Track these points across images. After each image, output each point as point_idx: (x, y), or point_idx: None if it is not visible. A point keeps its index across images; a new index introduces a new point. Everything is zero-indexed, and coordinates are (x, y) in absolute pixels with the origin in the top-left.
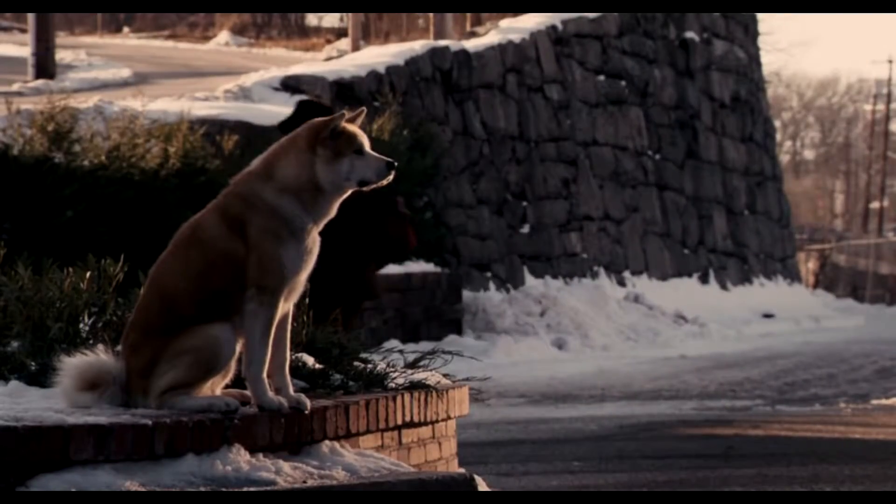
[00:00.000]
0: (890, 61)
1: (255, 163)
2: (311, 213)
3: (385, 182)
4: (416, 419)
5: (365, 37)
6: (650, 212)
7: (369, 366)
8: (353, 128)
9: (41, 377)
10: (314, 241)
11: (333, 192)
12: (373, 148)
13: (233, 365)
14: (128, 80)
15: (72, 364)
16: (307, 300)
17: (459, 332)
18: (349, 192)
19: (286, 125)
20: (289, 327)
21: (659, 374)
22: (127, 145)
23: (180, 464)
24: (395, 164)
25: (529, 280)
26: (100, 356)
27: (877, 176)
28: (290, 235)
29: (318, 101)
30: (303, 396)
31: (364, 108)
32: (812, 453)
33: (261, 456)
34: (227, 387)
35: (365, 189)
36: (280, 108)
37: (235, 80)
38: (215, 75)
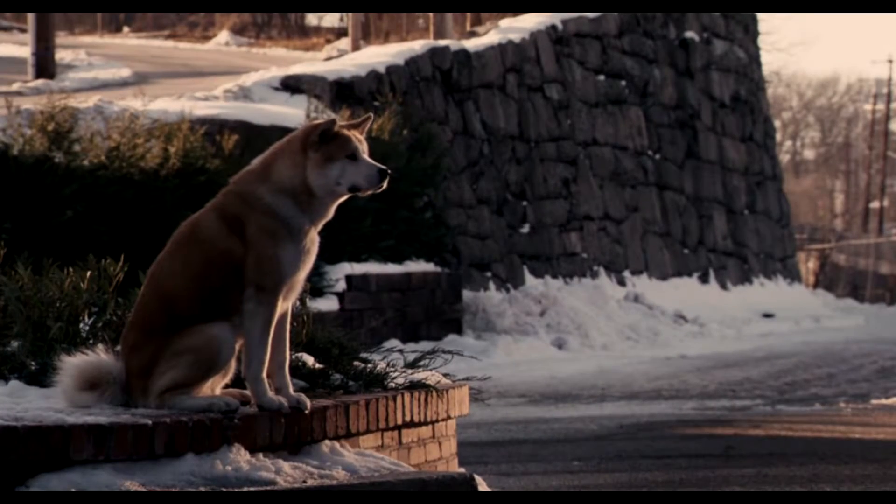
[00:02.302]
0: (890, 61)
1: (255, 162)
2: (308, 215)
3: (377, 190)
4: (416, 419)
5: (365, 37)
6: (650, 212)
7: (369, 366)
8: (348, 132)
9: (41, 377)
10: (312, 242)
11: (325, 196)
12: (372, 149)
13: (232, 364)
14: (128, 80)
15: (72, 364)
16: None
17: (459, 331)
18: (344, 197)
19: None
20: (288, 326)
21: (659, 373)
22: (127, 145)
23: (180, 464)
24: (389, 171)
25: (529, 280)
26: (100, 356)
27: (877, 176)
28: (287, 235)
29: None
30: (303, 396)
31: (370, 115)
32: (812, 453)
33: (261, 456)
34: (226, 386)
35: (359, 195)
36: (280, 108)
37: (235, 79)
38: (215, 75)
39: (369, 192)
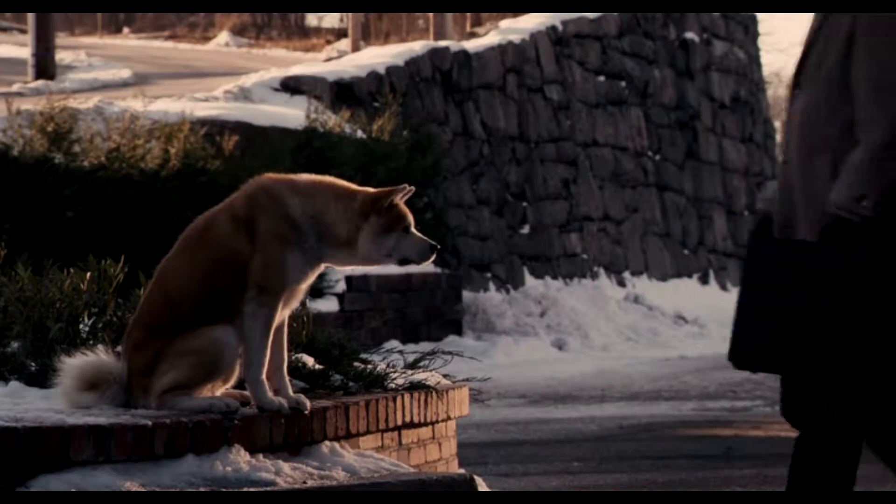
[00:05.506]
0: None
1: (302, 177)
2: (321, 253)
3: (425, 263)
4: (416, 420)
5: (365, 37)
6: (650, 212)
7: (369, 366)
8: (404, 206)
9: (41, 378)
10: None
11: (364, 259)
12: (373, 150)
13: (236, 369)
14: (128, 81)
15: (72, 364)
16: None
17: (459, 332)
18: (376, 266)
19: None
20: (286, 330)
21: (659, 374)
22: (127, 146)
23: (180, 464)
24: (439, 246)
25: (529, 280)
26: (100, 356)
27: None
28: (296, 243)
29: None
30: (302, 397)
31: (413, 188)
32: None
33: (261, 456)
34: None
35: (400, 266)
36: (280, 109)
37: (235, 80)
38: (215, 76)
39: (411, 265)
